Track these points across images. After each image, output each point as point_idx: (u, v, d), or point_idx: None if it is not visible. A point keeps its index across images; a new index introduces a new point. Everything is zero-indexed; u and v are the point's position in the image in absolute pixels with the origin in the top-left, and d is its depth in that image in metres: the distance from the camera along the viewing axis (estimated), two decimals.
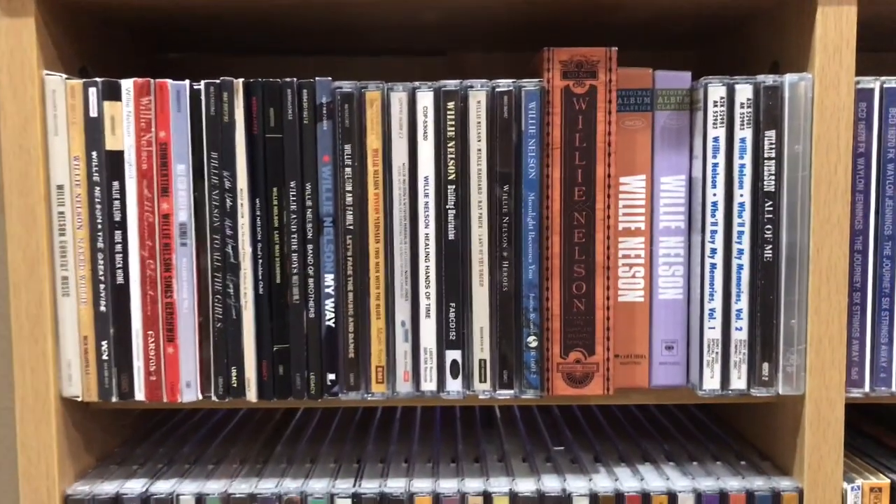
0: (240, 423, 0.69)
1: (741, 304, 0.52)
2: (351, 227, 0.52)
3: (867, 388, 0.53)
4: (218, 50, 0.75)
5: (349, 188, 0.52)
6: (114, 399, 0.52)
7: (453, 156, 0.52)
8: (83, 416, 0.56)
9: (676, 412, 0.71)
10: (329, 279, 0.52)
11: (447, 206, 0.52)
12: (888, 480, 0.54)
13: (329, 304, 0.52)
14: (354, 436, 0.65)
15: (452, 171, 0.52)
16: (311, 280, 0.52)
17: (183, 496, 0.53)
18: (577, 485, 0.54)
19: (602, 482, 0.54)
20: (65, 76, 0.51)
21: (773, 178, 0.52)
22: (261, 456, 0.60)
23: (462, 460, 0.59)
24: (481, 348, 0.53)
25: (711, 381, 0.53)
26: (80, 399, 0.53)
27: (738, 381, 0.53)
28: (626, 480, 0.54)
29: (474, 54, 0.75)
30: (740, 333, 0.53)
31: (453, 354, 0.53)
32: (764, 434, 0.60)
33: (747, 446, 0.62)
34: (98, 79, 0.51)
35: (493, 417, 0.70)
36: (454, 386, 0.53)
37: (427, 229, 0.52)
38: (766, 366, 0.53)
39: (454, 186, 0.52)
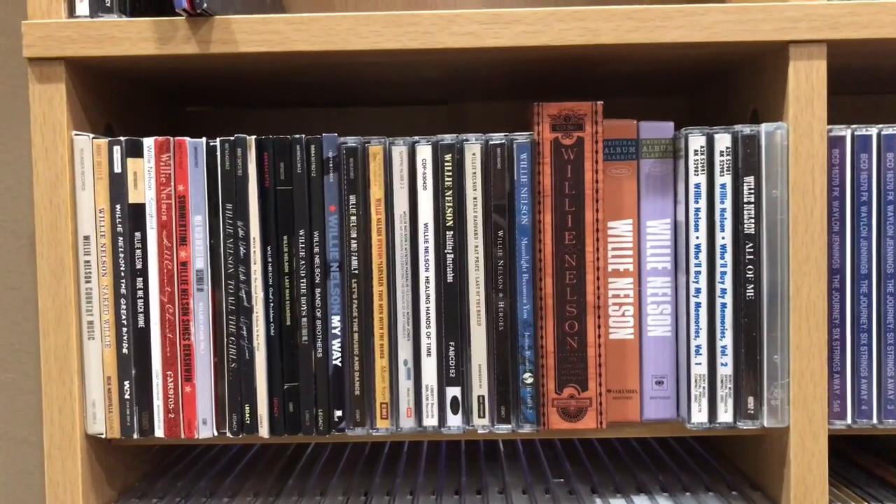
0: (254, 458, 0.72)
1: (726, 340, 0.55)
2: (356, 272, 0.55)
3: (849, 420, 0.56)
4: (234, 104, 0.79)
5: (354, 235, 0.55)
6: (135, 436, 0.56)
7: (451, 204, 0.55)
8: (106, 452, 0.59)
9: (674, 444, 0.73)
10: (336, 321, 0.55)
11: (446, 251, 0.55)
12: None
13: (336, 345, 0.56)
14: (363, 470, 0.68)
15: (450, 219, 0.55)
16: (318, 322, 0.55)
17: None
18: None
19: None
20: (92, 136, 0.56)
21: (752, 221, 0.55)
22: (273, 489, 0.63)
23: (465, 493, 0.62)
24: (480, 385, 0.56)
25: (699, 415, 0.56)
26: (103, 436, 0.56)
27: (725, 415, 0.55)
28: None
29: (474, 104, 0.79)
30: (726, 369, 0.55)
31: (453, 391, 0.56)
32: (754, 465, 0.63)
33: (739, 477, 0.64)
34: (122, 138, 0.55)
35: (497, 451, 0.73)
36: (454, 421, 0.56)
37: (427, 273, 0.55)
38: (751, 399, 0.55)
39: (452, 232, 0.55)
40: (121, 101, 0.64)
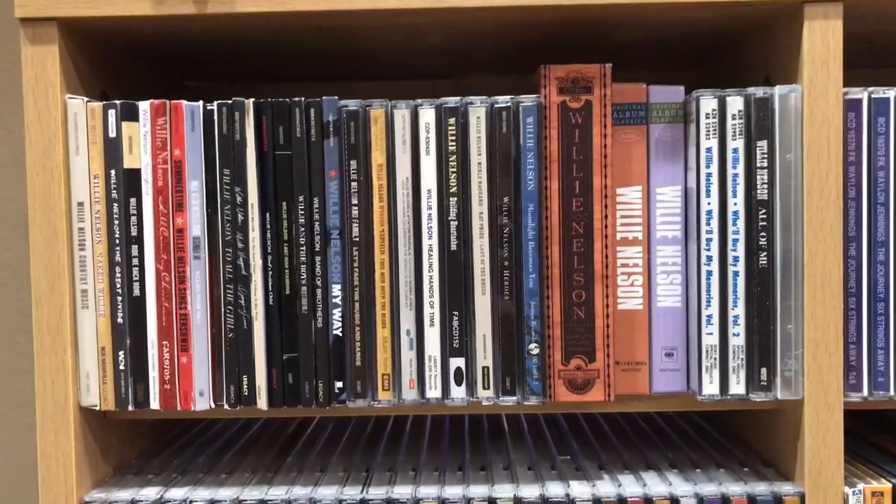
0: (253, 436, 0.70)
1: (738, 310, 0.54)
2: (357, 240, 0.54)
3: (865, 393, 0.54)
4: (232, 78, 0.78)
5: (355, 202, 0.54)
6: (130, 408, 0.54)
7: (455, 169, 0.54)
8: (101, 425, 0.58)
9: (681, 422, 0.72)
10: (336, 290, 0.54)
11: (449, 218, 0.54)
12: (889, 485, 0.54)
13: (336, 314, 0.54)
14: (364, 447, 0.66)
15: (454, 185, 0.54)
16: (318, 291, 0.54)
17: (196, 502, 0.54)
18: (580, 490, 0.54)
19: (605, 488, 0.55)
20: (86, 99, 0.54)
21: (765, 186, 0.53)
22: (272, 466, 0.62)
23: (468, 469, 0.60)
24: (484, 356, 0.54)
25: (711, 387, 0.54)
26: (97, 408, 0.55)
27: (737, 387, 0.54)
28: (630, 486, 0.55)
29: (478, 77, 0.77)
30: (738, 339, 0.54)
31: (457, 362, 0.54)
32: (766, 440, 0.61)
33: (750, 453, 0.62)
34: (117, 101, 0.54)
35: (501, 428, 0.71)
36: (458, 393, 0.54)
37: (430, 240, 0.54)
38: (764, 371, 0.54)
39: (456, 199, 0.54)
40: (116, 70, 0.62)
